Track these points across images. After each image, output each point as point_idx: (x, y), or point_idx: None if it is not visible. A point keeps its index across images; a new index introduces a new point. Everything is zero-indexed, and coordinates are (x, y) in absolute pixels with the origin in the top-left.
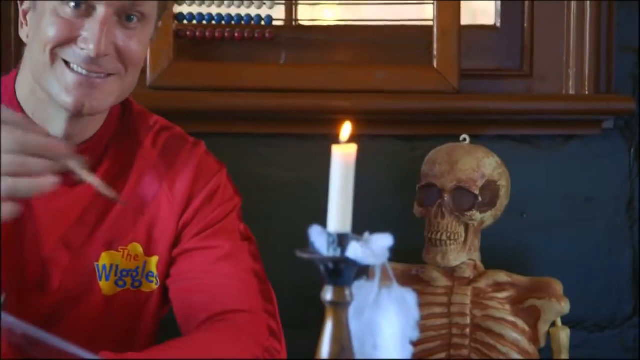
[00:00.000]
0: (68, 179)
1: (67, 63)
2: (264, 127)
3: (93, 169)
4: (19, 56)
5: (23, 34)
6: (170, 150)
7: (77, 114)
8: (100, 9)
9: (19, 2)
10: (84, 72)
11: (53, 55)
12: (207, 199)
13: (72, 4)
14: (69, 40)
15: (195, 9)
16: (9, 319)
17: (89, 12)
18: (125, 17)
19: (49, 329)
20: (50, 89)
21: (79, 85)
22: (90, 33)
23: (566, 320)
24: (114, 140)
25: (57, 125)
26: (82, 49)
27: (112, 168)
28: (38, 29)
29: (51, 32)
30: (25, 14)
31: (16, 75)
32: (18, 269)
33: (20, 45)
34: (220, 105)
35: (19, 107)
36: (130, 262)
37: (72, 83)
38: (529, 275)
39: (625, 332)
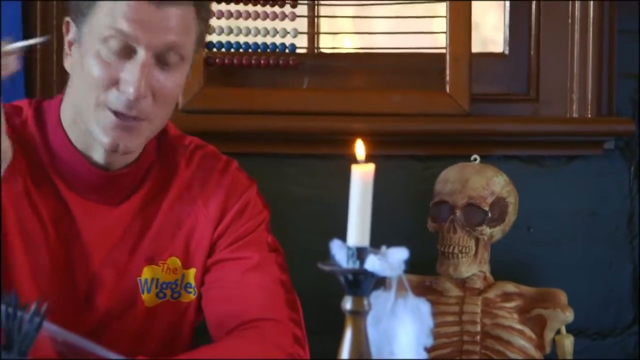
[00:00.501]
0: (110, 199)
1: (108, 108)
2: (288, 147)
3: (135, 190)
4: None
5: (67, 64)
6: (204, 168)
7: (112, 153)
8: (141, 53)
9: (64, 31)
10: (123, 114)
11: (98, 101)
12: (239, 213)
13: (114, 46)
14: (110, 83)
15: (224, 38)
16: (51, 327)
17: (130, 54)
18: (164, 59)
19: (92, 340)
20: (90, 127)
21: (116, 128)
22: (131, 76)
23: (570, 329)
24: (154, 164)
25: (98, 153)
26: (122, 93)
27: (152, 188)
28: (82, 67)
29: (95, 73)
30: (70, 45)
31: (61, 100)
32: (65, 286)
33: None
34: (247, 127)
35: (63, 132)
36: (170, 275)
37: (110, 125)
38: (536, 286)
39: (626, 340)
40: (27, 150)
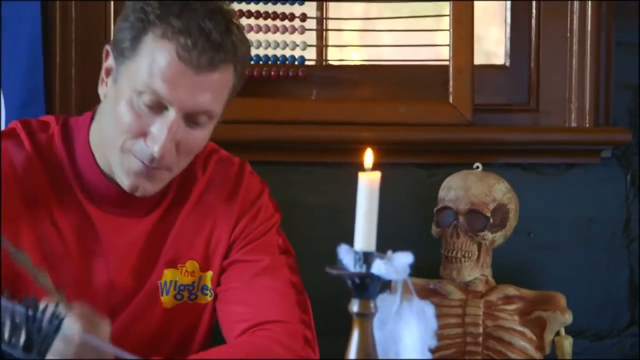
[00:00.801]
0: (135, 213)
1: (132, 154)
2: (298, 156)
3: (158, 203)
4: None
5: (101, 91)
6: (220, 173)
7: (132, 192)
8: (172, 112)
9: (103, 57)
10: (145, 163)
11: (124, 145)
12: (252, 217)
13: (147, 102)
14: (138, 134)
15: None
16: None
17: (161, 110)
18: (193, 119)
19: (113, 340)
20: (113, 165)
21: (138, 174)
22: (158, 132)
23: (569, 330)
24: (175, 179)
25: (121, 183)
26: (148, 146)
27: (173, 199)
28: (114, 105)
29: (126, 120)
30: (107, 72)
31: (89, 120)
32: (88, 296)
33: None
34: (258, 137)
35: (90, 153)
36: (188, 277)
37: (134, 170)
38: (536, 289)
39: (622, 341)
40: (51, 166)
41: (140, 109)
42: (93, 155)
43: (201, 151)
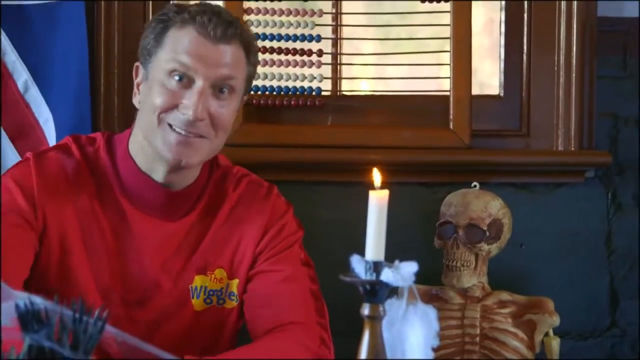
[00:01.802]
0: (170, 215)
1: (170, 125)
2: (315, 176)
3: (191, 209)
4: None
5: (136, 101)
6: (249, 193)
7: (175, 167)
8: (199, 82)
9: (133, 75)
10: (183, 132)
11: (160, 119)
12: (277, 232)
13: (177, 77)
14: (172, 106)
15: (260, 83)
16: (111, 330)
17: (189, 84)
18: (218, 89)
19: (146, 339)
20: (155, 145)
21: (178, 144)
22: (190, 101)
23: (557, 331)
24: (207, 187)
25: (160, 174)
26: (183, 114)
27: (205, 208)
28: (148, 96)
29: (159, 99)
30: (138, 85)
31: (129, 134)
32: (124, 291)
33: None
34: (279, 159)
35: (131, 160)
36: (216, 284)
37: (174, 142)
38: (527, 295)
39: (604, 341)
40: (97, 173)
41: (171, 86)
42: (133, 159)
43: (233, 173)
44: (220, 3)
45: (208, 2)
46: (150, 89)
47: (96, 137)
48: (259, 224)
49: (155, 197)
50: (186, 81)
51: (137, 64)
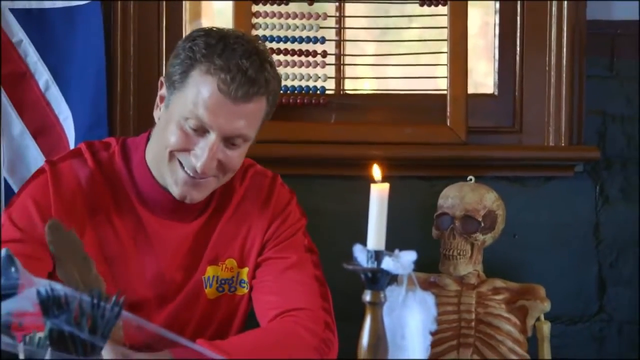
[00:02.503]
0: (184, 218)
1: (180, 163)
2: (319, 170)
3: (203, 210)
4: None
5: (156, 115)
6: (255, 184)
7: (181, 201)
8: (212, 135)
9: (159, 87)
10: (191, 174)
11: (171, 155)
12: (282, 222)
13: (192, 124)
14: (184, 150)
15: None
16: (129, 316)
17: (204, 133)
18: (231, 141)
19: (164, 327)
20: (165, 177)
21: (185, 183)
22: (201, 152)
23: (548, 316)
24: (217, 189)
25: (174, 188)
26: (193, 160)
27: (216, 207)
28: (165, 129)
29: (173, 139)
30: (161, 100)
31: (146, 139)
32: (143, 289)
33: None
34: (286, 154)
35: (147, 168)
36: (228, 273)
37: (181, 180)
38: (520, 282)
39: (592, 326)
40: (112, 179)
41: (187, 130)
42: (149, 168)
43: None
44: (229, 4)
45: (236, 42)
46: (168, 123)
47: (110, 142)
48: (265, 214)
49: (169, 204)
50: (201, 131)
51: (162, 79)
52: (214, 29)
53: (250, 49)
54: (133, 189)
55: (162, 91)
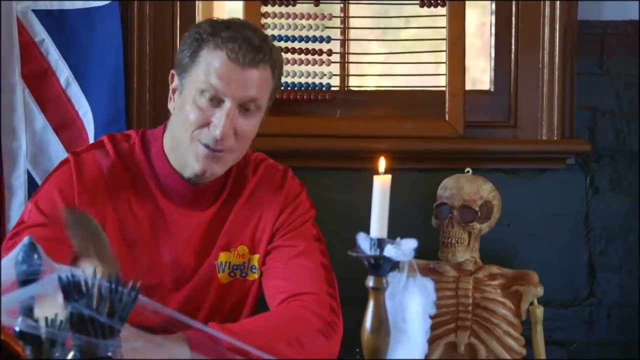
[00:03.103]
0: (199, 206)
1: (200, 142)
2: (325, 162)
3: (216, 198)
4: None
5: (170, 106)
6: (267, 177)
7: (201, 176)
8: (227, 103)
9: (169, 80)
10: (211, 145)
11: (192, 137)
12: (292, 211)
13: (207, 96)
14: (204, 124)
15: None
16: (143, 300)
17: (219, 104)
18: (245, 108)
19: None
20: (185, 156)
21: (206, 157)
22: (218, 120)
23: (541, 301)
24: (229, 176)
25: (189, 174)
26: (211, 132)
27: (230, 192)
28: (182, 110)
29: (192, 116)
30: (173, 91)
31: (163, 131)
32: (160, 273)
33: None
34: (293, 147)
35: (164, 157)
36: (239, 259)
37: (202, 154)
38: (514, 268)
39: (582, 309)
40: (132, 168)
41: (202, 105)
42: (166, 157)
43: (252, 159)
44: (240, 4)
45: (238, 21)
46: (184, 103)
47: (131, 134)
48: (276, 204)
49: (185, 191)
50: (216, 101)
51: (172, 71)
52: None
53: (250, 26)
54: (152, 177)
55: (174, 83)
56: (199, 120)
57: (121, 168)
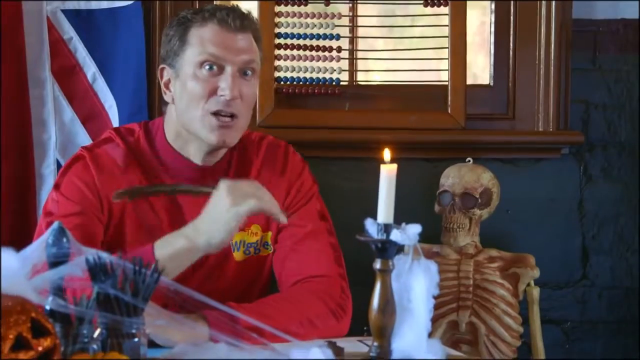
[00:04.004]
0: (207, 183)
1: (211, 113)
2: (334, 152)
3: (225, 174)
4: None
5: (168, 98)
6: (270, 154)
7: (218, 147)
8: (228, 68)
9: (158, 77)
10: (222, 113)
11: (203, 110)
12: (298, 189)
13: (207, 67)
14: (210, 93)
15: (288, 74)
16: (166, 281)
17: (220, 71)
18: (243, 72)
19: (198, 290)
20: (200, 132)
21: (220, 127)
22: (225, 84)
23: (537, 282)
24: (234, 158)
25: (197, 155)
26: (221, 96)
27: (236, 173)
28: (184, 90)
29: (197, 90)
30: (167, 85)
31: (162, 123)
32: None
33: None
34: (305, 138)
35: (167, 144)
36: (253, 237)
37: (215, 125)
38: (512, 252)
39: (576, 290)
40: (141, 159)
41: (204, 77)
42: (171, 145)
43: (253, 139)
44: (255, 4)
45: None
46: (185, 83)
47: (134, 128)
48: (282, 184)
49: (194, 174)
50: (217, 69)
51: (161, 66)
52: None
53: (232, 3)
54: (159, 165)
55: (165, 77)
56: (205, 90)
57: (132, 159)
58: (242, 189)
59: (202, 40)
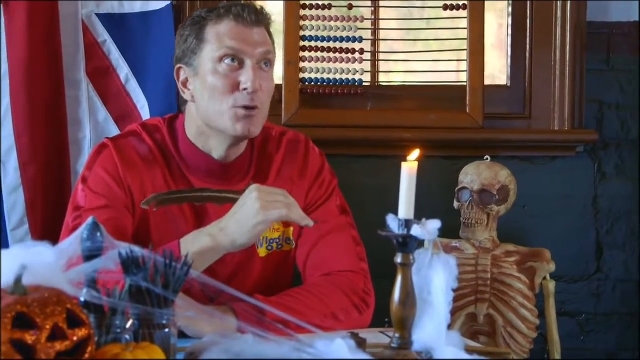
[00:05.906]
0: (228, 181)
1: (234, 106)
2: (357, 150)
3: (245, 175)
4: None
5: (187, 96)
6: (291, 150)
7: (242, 139)
8: (248, 61)
9: (175, 77)
10: (246, 103)
11: (227, 105)
12: (319, 186)
13: (228, 61)
14: (231, 88)
15: (313, 75)
16: (195, 273)
17: (240, 66)
18: (262, 65)
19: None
20: (223, 126)
21: (244, 118)
22: (247, 77)
23: (553, 276)
24: (254, 153)
25: (218, 151)
26: (244, 89)
27: (257, 172)
28: (205, 87)
29: (219, 84)
30: (184, 84)
31: (183, 120)
32: None
33: None
34: (328, 137)
35: (189, 141)
36: (275, 233)
37: (241, 116)
38: (529, 246)
39: (591, 284)
40: (165, 154)
41: (224, 72)
42: (191, 141)
43: (273, 135)
44: (280, 4)
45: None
46: (205, 79)
47: (159, 125)
48: (303, 181)
49: (215, 169)
50: (237, 63)
51: (178, 66)
52: None
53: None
54: (182, 162)
55: (182, 77)
56: (226, 84)
57: (158, 153)
58: (272, 195)
59: (219, 36)
